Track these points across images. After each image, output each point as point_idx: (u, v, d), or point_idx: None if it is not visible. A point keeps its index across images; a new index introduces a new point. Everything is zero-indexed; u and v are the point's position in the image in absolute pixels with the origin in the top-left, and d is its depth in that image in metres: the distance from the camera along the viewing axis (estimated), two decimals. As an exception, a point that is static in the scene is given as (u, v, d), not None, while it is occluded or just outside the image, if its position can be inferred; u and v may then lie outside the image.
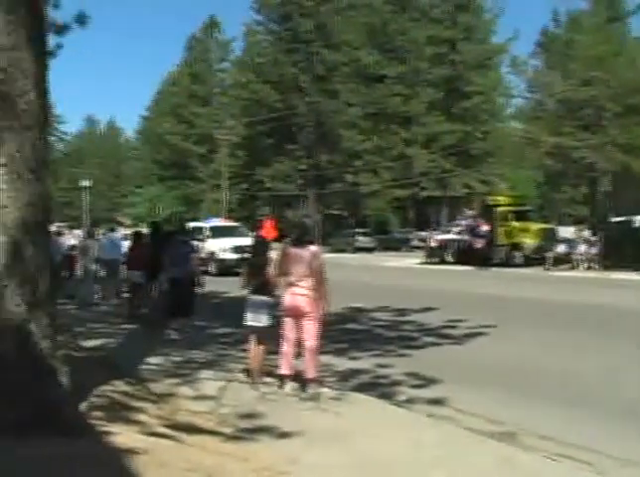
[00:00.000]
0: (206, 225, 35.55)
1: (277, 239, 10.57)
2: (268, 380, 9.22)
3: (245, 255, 11.54)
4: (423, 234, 50.29)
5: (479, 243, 35.91)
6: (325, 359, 9.95)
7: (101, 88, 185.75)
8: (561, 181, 64.30)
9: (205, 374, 9.76)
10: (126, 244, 19.11)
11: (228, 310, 15.39)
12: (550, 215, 63.74)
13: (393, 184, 64.03)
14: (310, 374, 8.75)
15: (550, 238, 34.32)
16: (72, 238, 26.22)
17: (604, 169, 47.62)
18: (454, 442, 6.91)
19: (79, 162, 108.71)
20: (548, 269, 31.23)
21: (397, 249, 55.86)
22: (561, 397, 8.90)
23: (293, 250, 8.80)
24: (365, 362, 11.20)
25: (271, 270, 9.16)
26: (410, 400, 8.76)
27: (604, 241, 32.04)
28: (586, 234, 33.67)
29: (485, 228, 36.11)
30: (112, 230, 23.19)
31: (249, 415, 7.69)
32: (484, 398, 8.88)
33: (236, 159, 73.55)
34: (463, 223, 39.60)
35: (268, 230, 11.02)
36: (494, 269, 32.69)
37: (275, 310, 9.31)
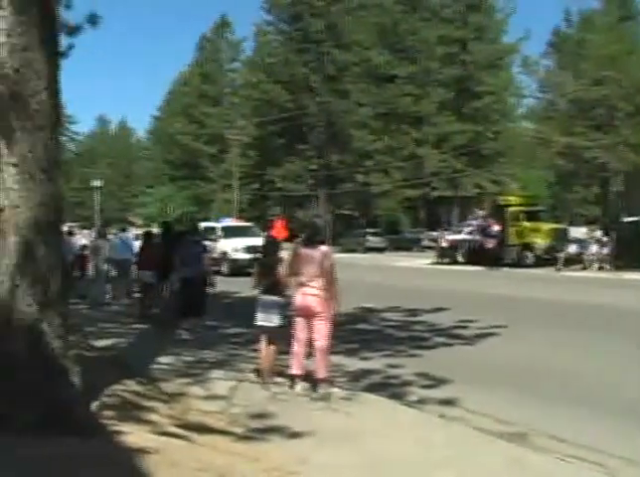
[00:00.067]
0: (218, 225, 35.56)
1: (288, 239, 10.57)
2: (279, 380, 9.23)
3: (257, 255, 11.53)
4: (434, 234, 50.12)
5: (490, 244, 35.80)
6: (336, 359, 9.94)
7: (113, 89, 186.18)
8: (573, 181, 64.11)
9: (216, 373, 9.77)
10: (137, 244, 19.13)
11: (239, 310, 15.41)
12: (561, 215, 63.53)
13: (403, 184, 63.92)
14: (321, 374, 8.75)
15: (561, 238, 34.17)
16: (83, 238, 26.32)
17: (616, 169, 47.48)
18: (464, 443, 6.90)
19: (90, 162, 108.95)
20: (559, 270, 31.10)
21: (407, 250, 55.75)
22: (572, 398, 8.87)
23: (304, 251, 8.80)
24: (376, 362, 11.19)
25: (282, 270, 9.17)
26: (421, 401, 8.75)
27: (616, 242, 31.89)
28: (598, 234, 33.49)
29: (496, 228, 36.01)
30: (124, 229, 23.24)
31: (260, 415, 7.69)
32: (495, 399, 8.86)
33: (246, 159, 73.59)
34: (474, 223, 39.48)
35: (279, 230, 11.01)
36: (505, 269, 32.61)
37: (286, 310, 9.31)
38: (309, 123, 66.57)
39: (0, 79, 5.82)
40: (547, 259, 33.02)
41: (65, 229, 15.34)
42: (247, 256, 27.79)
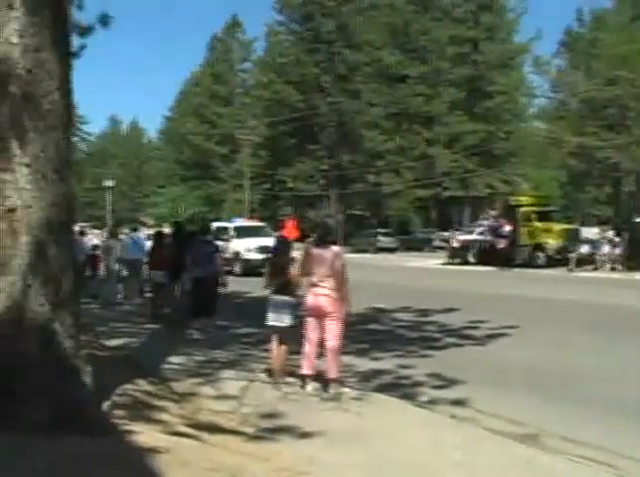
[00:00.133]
0: (231, 225, 35.55)
1: (299, 239, 10.59)
2: (290, 380, 9.23)
3: (269, 256, 11.56)
4: (446, 234, 50.11)
5: (501, 244, 35.78)
6: (347, 359, 9.94)
7: (124, 89, 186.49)
8: (585, 181, 63.93)
9: (227, 373, 9.78)
10: (149, 244, 19.18)
11: (250, 310, 15.42)
12: (573, 215, 63.34)
13: (415, 184, 63.88)
14: (332, 374, 8.75)
15: (573, 238, 34.10)
16: (95, 238, 26.39)
17: (628, 169, 47.21)
18: (475, 443, 6.89)
19: (102, 162, 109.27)
20: (571, 270, 31.02)
21: (419, 250, 55.71)
22: (583, 398, 8.84)
23: (315, 251, 8.80)
24: (386, 362, 11.18)
25: (294, 270, 9.18)
26: (432, 401, 8.73)
27: (628, 242, 31.81)
28: (610, 234, 33.42)
29: (508, 228, 35.97)
30: (135, 229, 23.27)
31: (271, 415, 7.70)
32: (506, 400, 8.84)
33: (258, 159, 73.69)
34: (486, 223, 39.48)
35: (290, 230, 11.04)
36: (516, 270, 32.55)
37: (297, 310, 9.32)
38: (320, 123, 66.59)
39: (13, 79, 5.83)
40: (558, 260, 32.96)
41: (76, 229, 15.41)
42: (260, 256, 27.70)
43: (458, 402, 8.63)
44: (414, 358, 11.52)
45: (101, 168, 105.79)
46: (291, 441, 6.78)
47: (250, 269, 28.33)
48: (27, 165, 5.85)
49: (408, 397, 8.95)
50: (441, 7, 68.00)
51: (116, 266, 20.22)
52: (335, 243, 9.04)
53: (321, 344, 8.85)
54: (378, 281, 25.46)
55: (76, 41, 10.05)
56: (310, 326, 8.87)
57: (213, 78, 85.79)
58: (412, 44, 66.75)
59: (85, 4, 11.11)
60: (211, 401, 8.26)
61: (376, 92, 64.79)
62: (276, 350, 9.35)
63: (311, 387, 8.88)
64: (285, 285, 9.26)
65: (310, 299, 8.80)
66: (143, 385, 8.33)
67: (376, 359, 11.50)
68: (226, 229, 33.73)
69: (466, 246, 38.46)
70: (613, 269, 31.08)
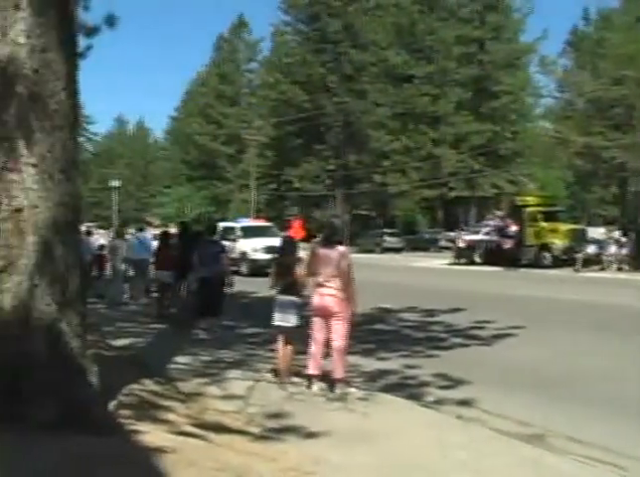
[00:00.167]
0: (237, 225, 35.49)
1: (305, 239, 10.59)
2: (296, 380, 9.24)
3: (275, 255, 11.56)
4: (452, 234, 50.01)
5: (508, 244, 35.72)
6: (353, 359, 9.94)
7: (130, 89, 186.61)
8: (592, 181, 63.81)
9: (233, 373, 9.79)
10: (155, 244, 19.20)
11: (256, 310, 15.43)
12: (580, 215, 63.25)
13: (421, 184, 63.79)
14: (338, 374, 8.75)
15: (579, 238, 34.03)
16: (101, 238, 26.43)
17: (635, 169, 47.01)
18: (481, 444, 6.88)
19: (108, 162, 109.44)
20: (577, 270, 30.94)
21: (425, 250, 55.67)
22: (590, 399, 8.83)
23: (322, 251, 8.80)
24: (393, 362, 11.17)
25: (300, 270, 9.18)
26: (438, 402, 8.73)
27: (635, 242, 31.74)
28: (617, 234, 33.35)
29: (514, 228, 35.91)
30: (141, 229, 23.29)
31: (277, 415, 7.70)
32: (512, 400, 8.83)
33: (264, 159, 73.75)
34: (492, 223, 39.39)
35: (297, 230, 11.05)
36: (523, 270, 32.49)
37: (303, 310, 9.33)
38: (326, 123, 66.61)
39: (19, 79, 5.85)
40: (564, 260, 32.89)
41: (83, 228, 15.43)
42: (267, 257, 27.61)
43: (464, 403, 8.62)
44: (421, 358, 11.51)
45: (108, 168, 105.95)
46: (297, 441, 6.78)
47: (257, 269, 28.17)
48: (34, 165, 5.87)
49: (414, 397, 8.94)
50: (447, 7, 67.86)
51: (123, 266, 20.24)
52: (341, 244, 9.03)
53: (327, 344, 8.86)
54: (384, 281, 25.43)
55: (82, 41, 10.04)
56: (316, 326, 8.87)
57: (219, 78, 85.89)
58: (419, 44, 66.65)
59: (92, 4, 11.13)
60: (217, 401, 8.26)
61: (382, 92, 64.72)
62: (282, 350, 9.35)
63: (317, 387, 8.88)
64: (291, 285, 9.27)
65: (316, 299, 8.80)
66: (149, 384, 8.34)
67: (382, 359, 11.50)
68: (232, 229, 33.70)
69: (472, 247, 38.39)
70: (620, 270, 31.01)
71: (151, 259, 18.61)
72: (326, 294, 8.68)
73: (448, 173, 64.02)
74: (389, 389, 9.36)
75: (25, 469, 4.74)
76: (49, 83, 5.98)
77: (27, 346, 5.78)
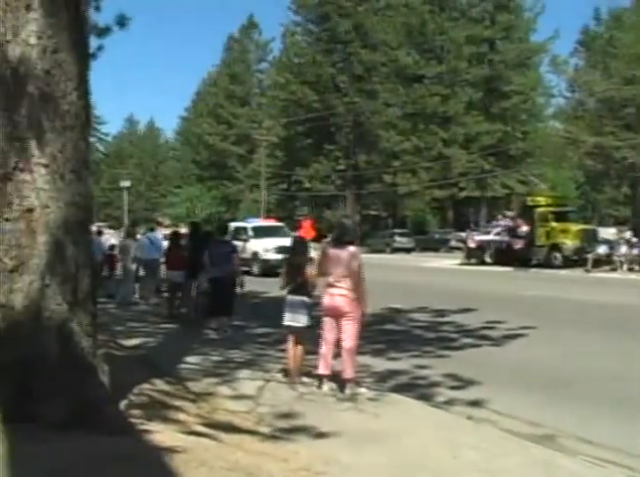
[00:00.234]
0: (249, 225, 35.46)
1: (316, 240, 10.59)
2: (306, 380, 9.24)
3: (285, 256, 11.58)
4: (462, 234, 49.87)
5: (518, 244, 35.66)
6: (363, 359, 9.94)
7: (141, 89, 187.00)
8: (603, 181, 63.64)
9: (243, 373, 9.78)
10: (166, 244, 19.22)
11: (267, 310, 15.45)
12: (590, 215, 63.06)
13: (431, 184, 63.72)
14: (348, 374, 8.75)
15: (590, 239, 33.94)
16: (112, 238, 26.48)
17: (646, 169, 46.99)
18: (492, 444, 6.86)
19: (119, 163, 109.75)
20: (588, 271, 30.87)
21: (435, 250, 55.61)
22: (601, 399, 8.80)
23: (332, 251, 8.80)
24: (403, 363, 11.16)
25: (310, 270, 9.18)
26: (449, 402, 8.72)
27: (646, 243, 31.64)
28: (628, 234, 33.25)
29: (524, 228, 35.85)
30: (152, 229, 23.30)
31: (287, 415, 7.70)
32: (523, 400, 8.82)
33: (274, 159, 73.86)
34: (502, 223, 39.33)
35: (307, 230, 11.06)
36: (533, 270, 32.44)
37: (314, 310, 9.33)
38: (337, 123, 66.65)
39: (31, 80, 5.86)
40: (575, 260, 32.83)
41: (94, 228, 15.48)
42: (279, 257, 27.56)
43: (475, 403, 8.61)
44: (431, 358, 11.50)
45: (118, 168, 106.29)
46: (308, 441, 6.77)
47: (269, 269, 28.08)
48: (45, 165, 5.88)
49: (425, 397, 8.93)
50: (458, 7, 67.75)
51: (133, 266, 20.26)
52: (352, 244, 9.02)
53: (337, 344, 8.85)
54: (394, 281, 25.41)
55: (93, 42, 10.09)
56: (327, 326, 8.87)
57: (229, 78, 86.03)
58: (429, 44, 66.59)
59: (103, 5, 11.17)
60: (227, 401, 8.27)
61: (392, 93, 64.69)
62: (293, 350, 9.35)
63: (327, 387, 8.88)
64: (302, 285, 9.27)
65: (327, 299, 8.80)
66: (160, 384, 8.35)
67: (392, 359, 11.49)
68: (244, 229, 33.70)
69: (483, 247, 38.32)
70: (631, 270, 30.91)
71: (162, 259, 18.64)
72: (336, 294, 8.68)
73: (459, 173, 63.87)
74: (399, 389, 9.35)
75: (37, 469, 4.75)
76: (60, 84, 5.99)
77: (38, 346, 5.79)
